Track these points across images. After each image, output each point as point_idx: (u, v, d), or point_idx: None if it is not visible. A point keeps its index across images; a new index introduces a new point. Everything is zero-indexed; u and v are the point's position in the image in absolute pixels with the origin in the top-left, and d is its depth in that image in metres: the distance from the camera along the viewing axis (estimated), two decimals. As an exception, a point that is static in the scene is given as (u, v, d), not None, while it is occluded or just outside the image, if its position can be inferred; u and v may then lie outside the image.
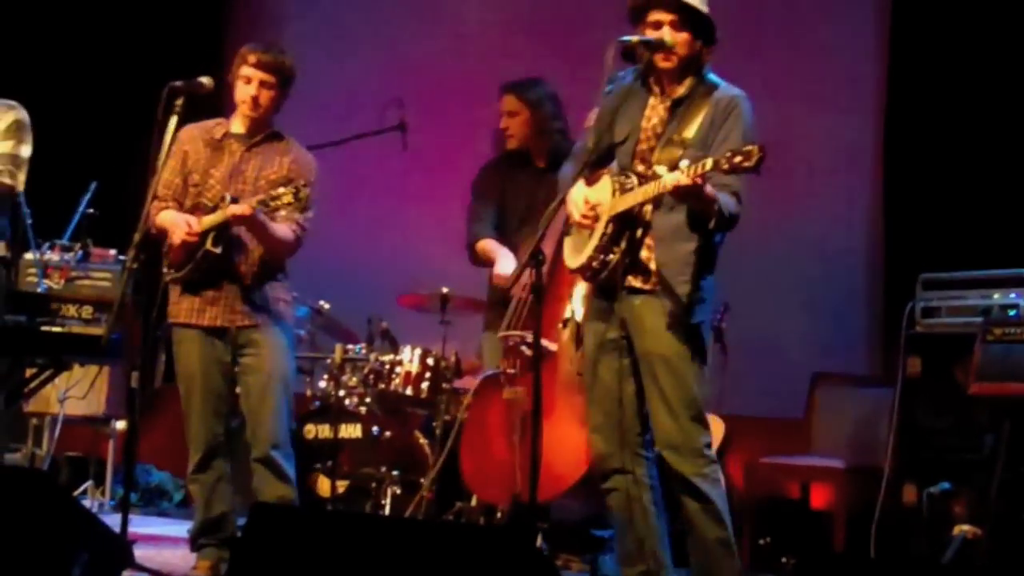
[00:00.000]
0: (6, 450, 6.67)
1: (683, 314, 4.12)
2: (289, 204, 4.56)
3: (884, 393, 5.67)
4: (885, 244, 6.68)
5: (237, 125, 4.96)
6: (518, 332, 5.03)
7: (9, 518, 3.67)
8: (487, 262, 5.50)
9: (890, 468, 5.32)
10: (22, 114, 5.32)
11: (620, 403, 4.21)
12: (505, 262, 5.36)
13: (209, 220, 4.70)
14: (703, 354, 4.20)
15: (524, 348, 5.00)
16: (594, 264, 4.14)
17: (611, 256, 4.13)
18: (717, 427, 5.89)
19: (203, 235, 4.71)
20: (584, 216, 4.15)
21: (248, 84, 4.85)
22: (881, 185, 6.74)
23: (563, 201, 4.18)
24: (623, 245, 4.13)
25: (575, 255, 4.25)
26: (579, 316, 4.81)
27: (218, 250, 4.71)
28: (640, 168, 4.18)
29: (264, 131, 4.95)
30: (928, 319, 5.35)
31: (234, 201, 4.68)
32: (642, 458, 4.25)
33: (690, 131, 4.13)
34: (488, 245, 5.48)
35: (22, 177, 5.26)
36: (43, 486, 3.93)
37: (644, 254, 4.17)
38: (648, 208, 4.13)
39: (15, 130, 5.25)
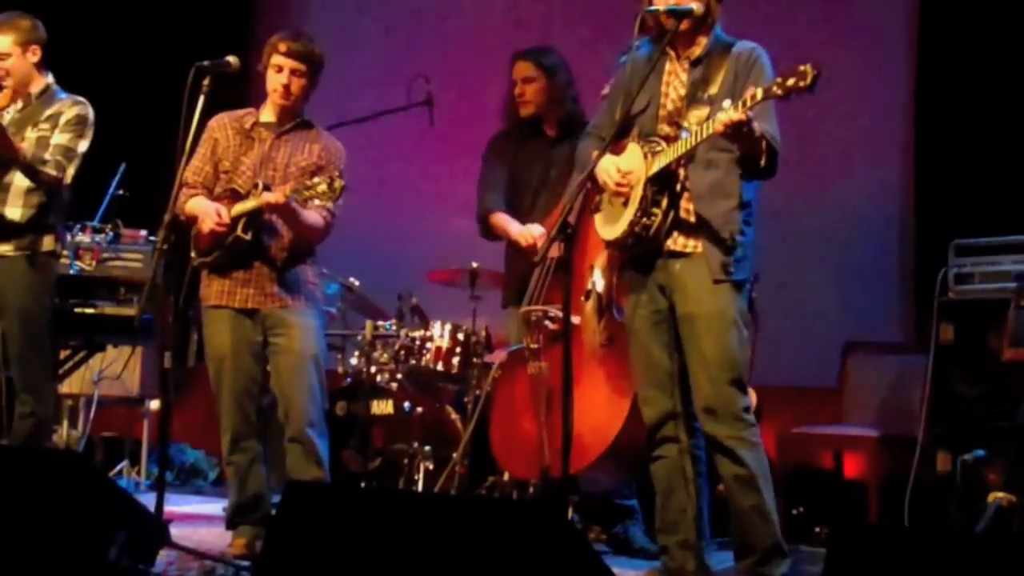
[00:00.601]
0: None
1: (725, 272, 4.10)
2: (323, 194, 4.56)
3: (917, 361, 5.65)
4: (916, 210, 6.64)
5: (267, 114, 4.97)
6: (539, 307, 5.03)
7: (46, 499, 3.71)
8: (500, 235, 5.49)
9: (924, 436, 5.30)
10: (87, 110, 5.37)
11: (671, 375, 4.22)
12: (521, 227, 5.34)
13: (240, 207, 4.72)
14: (745, 315, 4.19)
15: (547, 322, 5.00)
16: (636, 229, 4.11)
17: (652, 218, 4.10)
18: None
19: (234, 221, 4.73)
20: (619, 184, 4.12)
21: (280, 73, 4.86)
22: (912, 151, 6.69)
23: (590, 175, 4.15)
24: (663, 205, 4.10)
25: (610, 226, 4.23)
26: (600, 287, 4.81)
27: (248, 237, 4.73)
28: (667, 130, 4.16)
29: (294, 119, 4.96)
30: (961, 285, 5.32)
31: (267, 188, 4.70)
32: (693, 428, 4.25)
33: (714, 88, 4.12)
34: (500, 219, 5.45)
35: (71, 171, 5.30)
36: (79, 467, 3.96)
37: (683, 215, 4.15)
38: (683, 169, 4.11)
39: (75, 123, 5.30)
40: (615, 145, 4.20)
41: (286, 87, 4.87)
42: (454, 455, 5.67)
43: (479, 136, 6.00)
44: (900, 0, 6.84)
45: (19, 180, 5.24)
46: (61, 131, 5.27)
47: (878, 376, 6.22)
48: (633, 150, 4.17)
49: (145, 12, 8.01)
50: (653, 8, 4.15)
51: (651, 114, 4.22)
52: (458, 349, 6.13)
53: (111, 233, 6.01)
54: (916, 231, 6.62)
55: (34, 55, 5.36)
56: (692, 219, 4.13)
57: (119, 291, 5.85)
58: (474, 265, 6.12)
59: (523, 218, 5.43)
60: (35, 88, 5.37)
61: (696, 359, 4.14)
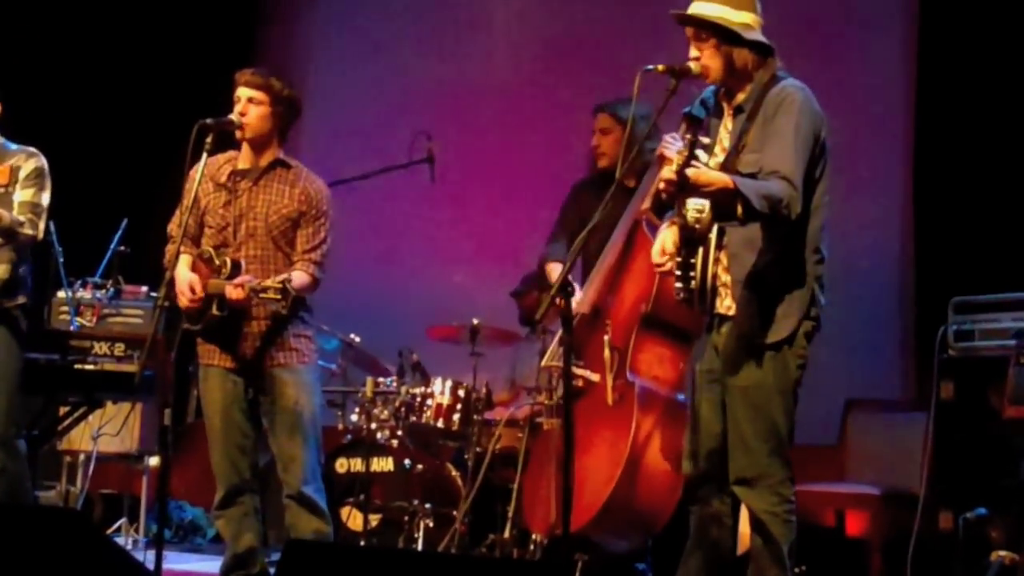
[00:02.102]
0: (40, 488, 6.70)
1: (758, 334, 3.96)
2: (276, 300, 4.52)
3: (918, 418, 5.64)
4: (916, 268, 6.65)
5: (243, 159, 4.93)
6: (557, 363, 5.03)
7: (44, 557, 3.68)
8: (549, 284, 5.46)
9: (925, 494, 5.28)
10: (42, 162, 5.37)
11: (715, 437, 4.09)
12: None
13: (213, 287, 4.69)
14: (787, 379, 4.00)
15: None
16: (682, 296, 3.95)
17: (691, 283, 3.93)
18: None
19: (208, 298, 4.72)
20: (657, 265, 4.04)
21: (237, 104, 4.85)
22: (911, 208, 6.71)
23: (591, 230, 4.11)
24: (698, 267, 3.93)
25: None
26: (618, 346, 4.82)
27: (223, 313, 4.70)
28: None
29: (268, 160, 4.90)
30: (961, 343, 5.31)
31: (235, 269, 4.67)
32: (727, 495, 4.14)
33: (750, 136, 3.99)
34: (551, 269, 5.44)
35: (43, 225, 5.32)
36: (77, 524, 3.94)
37: (723, 277, 4.03)
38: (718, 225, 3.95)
39: (35, 177, 5.30)
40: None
41: (241, 115, 4.81)
42: (455, 513, 5.64)
43: (480, 193, 6.03)
44: (897, 55, 6.89)
45: None
46: (23, 187, 5.26)
47: (879, 434, 6.21)
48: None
49: (145, 67, 8.06)
50: (651, 68, 4.14)
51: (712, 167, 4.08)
52: (459, 406, 6.13)
53: (112, 289, 6.02)
54: (916, 289, 6.62)
55: None
56: (728, 278, 4.02)
57: (119, 347, 5.85)
58: (475, 321, 6.14)
59: (589, 270, 5.39)
60: None
61: (733, 428, 4.03)
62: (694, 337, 4.98)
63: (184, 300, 4.71)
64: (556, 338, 5.12)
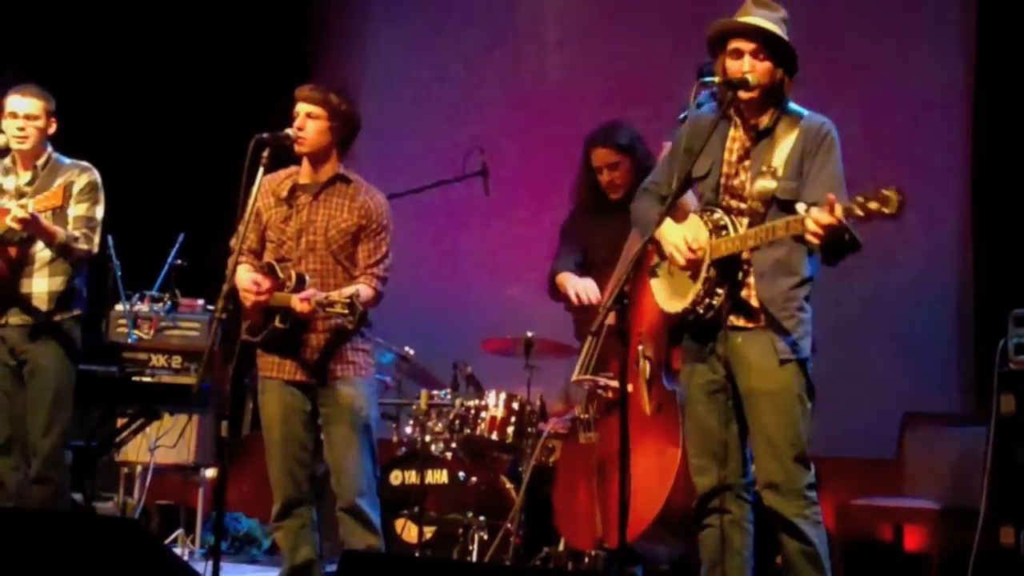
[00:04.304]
0: (97, 499, 6.76)
1: (791, 351, 4.06)
2: (343, 315, 4.55)
3: (977, 432, 5.58)
4: (975, 281, 6.59)
5: (304, 174, 4.96)
6: (589, 376, 5.01)
7: (102, 567, 3.72)
8: (563, 295, 5.45)
9: (986, 509, 5.23)
10: (95, 176, 5.44)
11: (725, 445, 4.15)
12: (574, 280, 5.34)
13: (277, 300, 4.72)
14: (809, 391, 4.11)
15: (599, 391, 4.99)
16: (699, 308, 4.07)
17: (715, 299, 4.06)
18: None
19: (272, 311, 4.74)
20: (689, 260, 4.06)
21: (296, 118, 4.88)
22: (970, 221, 6.65)
23: (651, 241, 4.11)
24: (727, 287, 4.07)
25: (674, 299, 4.17)
26: (650, 355, 4.80)
27: (286, 326, 4.72)
28: (731, 202, 4.12)
29: (328, 175, 4.92)
30: (1021, 356, 5.26)
31: (300, 283, 4.70)
32: (743, 500, 4.20)
33: (778, 161, 4.05)
34: (564, 277, 5.42)
35: (97, 239, 5.38)
36: (135, 535, 3.98)
37: (745, 292, 4.10)
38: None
39: (89, 191, 5.36)
40: (674, 210, 4.15)
41: (300, 130, 4.84)
42: (509, 525, 5.64)
43: (534, 205, 6.02)
44: (957, 59, 6.83)
45: (43, 252, 5.31)
46: (77, 201, 5.32)
47: (938, 447, 6.16)
48: (695, 222, 4.11)
49: (203, 82, 8.13)
50: (709, 79, 4.14)
51: (712, 183, 4.16)
52: (513, 418, 6.12)
53: (169, 302, 6.07)
54: (975, 301, 6.56)
55: (52, 127, 5.43)
56: (754, 301, 4.09)
57: (176, 360, 5.90)
58: (529, 334, 6.13)
59: (599, 277, 5.37)
60: (41, 160, 5.42)
61: (759, 436, 4.09)
62: None
63: (251, 297, 4.73)
64: (582, 353, 5.10)
